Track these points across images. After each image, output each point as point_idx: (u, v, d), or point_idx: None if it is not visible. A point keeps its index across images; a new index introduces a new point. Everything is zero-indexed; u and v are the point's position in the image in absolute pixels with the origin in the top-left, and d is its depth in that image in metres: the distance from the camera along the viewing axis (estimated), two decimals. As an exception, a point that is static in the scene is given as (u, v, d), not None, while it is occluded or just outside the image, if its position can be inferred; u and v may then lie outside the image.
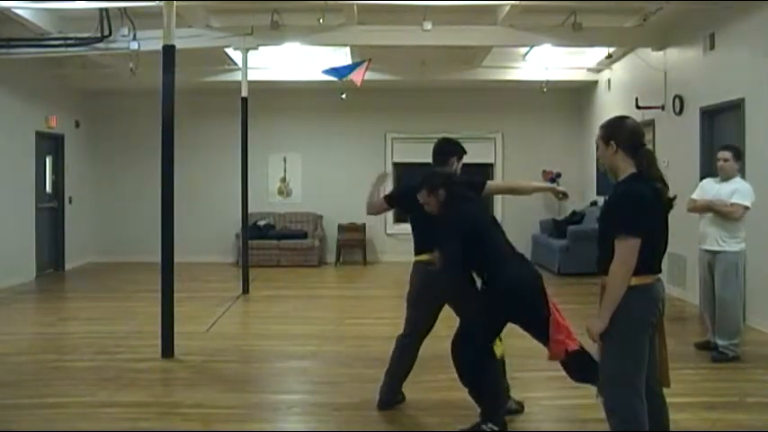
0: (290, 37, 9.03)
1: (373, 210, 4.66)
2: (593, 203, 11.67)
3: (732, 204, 5.57)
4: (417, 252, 4.48)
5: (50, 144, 11.35)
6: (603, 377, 3.11)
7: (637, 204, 3.01)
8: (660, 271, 3.11)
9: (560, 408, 4.67)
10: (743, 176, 6.19)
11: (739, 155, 5.83)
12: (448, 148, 4.53)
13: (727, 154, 5.76)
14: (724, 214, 5.60)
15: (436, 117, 12.51)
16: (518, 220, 12.24)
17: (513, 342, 5.97)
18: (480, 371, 4.04)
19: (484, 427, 3.99)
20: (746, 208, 5.59)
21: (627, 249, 2.96)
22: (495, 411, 4.04)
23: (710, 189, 5.83)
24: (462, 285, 4.23)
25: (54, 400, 4.75)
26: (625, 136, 3.13)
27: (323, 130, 12.75)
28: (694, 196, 5.86)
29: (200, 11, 8.42)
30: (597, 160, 11.54)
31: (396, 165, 12.79)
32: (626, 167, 3.12)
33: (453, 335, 4.38)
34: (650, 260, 3.03)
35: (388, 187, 5.59)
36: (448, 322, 4.56)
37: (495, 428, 3.98)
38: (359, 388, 4.96)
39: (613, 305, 2.99)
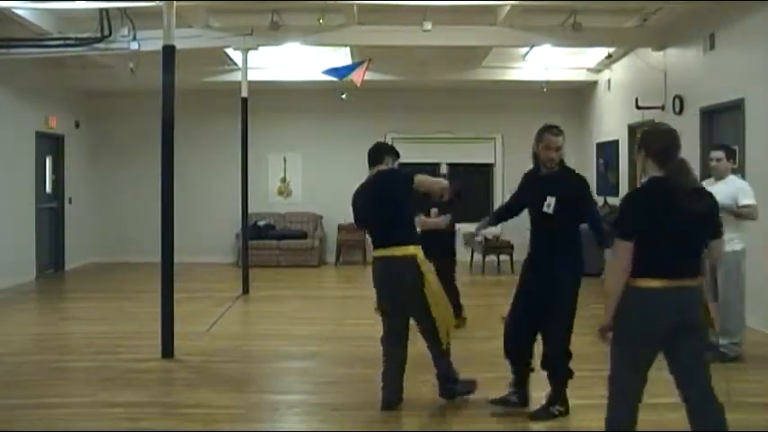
0: (290, 37, 9.04)
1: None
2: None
3: (748, 206, 5.46)
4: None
5: (50, 144, 11.35)
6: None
7: (627, 206, 3.09)
8: (680, 275, 2.98)
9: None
10: (743, 176, 6.17)
11: (731, 154, 5.81)
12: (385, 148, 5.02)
13: (719, 154, 5.73)
14: (744, 217, 5.49)
15: (436, 117, 12.52)
16: (517, 219, 12.23)
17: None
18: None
19: (552, 409, 4.26)
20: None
21: (617, 249, 3.02)
22: (565, 393, 4.31)
23: None
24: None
25: (54, 400, 4.75)
26: (654, 147, 3.12)
27: (323, 130, 12.73)
28: None
29: (200, 11, 8.42)
30: (597, 160, 11.58)
31: (395, 165, 12.80)
32: (653, 173, 3.13)
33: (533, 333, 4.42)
34: (653, 262, 2.96)
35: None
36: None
37: (561, 409, 4.28)
38: (359, 388, 4.96)
39: (611, 300, 3.01)
